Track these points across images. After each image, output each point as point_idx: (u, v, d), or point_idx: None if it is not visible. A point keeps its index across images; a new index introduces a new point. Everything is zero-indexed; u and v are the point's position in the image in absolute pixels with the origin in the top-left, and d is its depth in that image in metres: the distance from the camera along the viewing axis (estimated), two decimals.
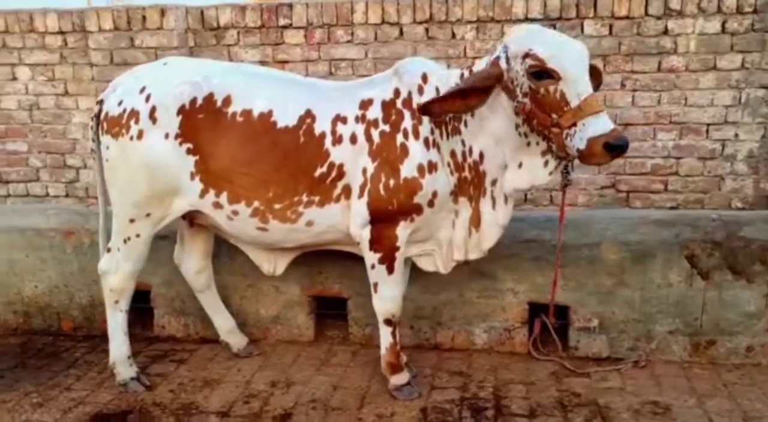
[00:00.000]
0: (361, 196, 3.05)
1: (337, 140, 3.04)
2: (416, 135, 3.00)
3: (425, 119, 2.98)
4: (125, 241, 3.34)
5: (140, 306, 4.15)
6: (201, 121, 3.07)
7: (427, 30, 4.37)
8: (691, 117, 4.23)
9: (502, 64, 2.76)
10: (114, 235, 3.38)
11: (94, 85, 4.77)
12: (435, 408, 3.25)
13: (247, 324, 3.98)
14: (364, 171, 3.03)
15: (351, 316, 3.94)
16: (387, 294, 3.21)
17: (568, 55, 2.65)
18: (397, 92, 3.05)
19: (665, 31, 4.15)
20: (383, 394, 3.36)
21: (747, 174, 4.28)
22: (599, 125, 2.58)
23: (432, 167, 3.00)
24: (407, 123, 3.01)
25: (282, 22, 4.48)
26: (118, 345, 3.53)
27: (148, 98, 3.11)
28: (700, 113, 4.22)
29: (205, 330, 4.03)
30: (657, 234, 3.53)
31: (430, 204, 3.04)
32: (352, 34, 4.45)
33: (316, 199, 3.10)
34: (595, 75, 2.82)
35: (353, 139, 3.04)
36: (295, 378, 3.57)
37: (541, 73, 2.64)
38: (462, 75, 2.98)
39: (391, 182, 2.99)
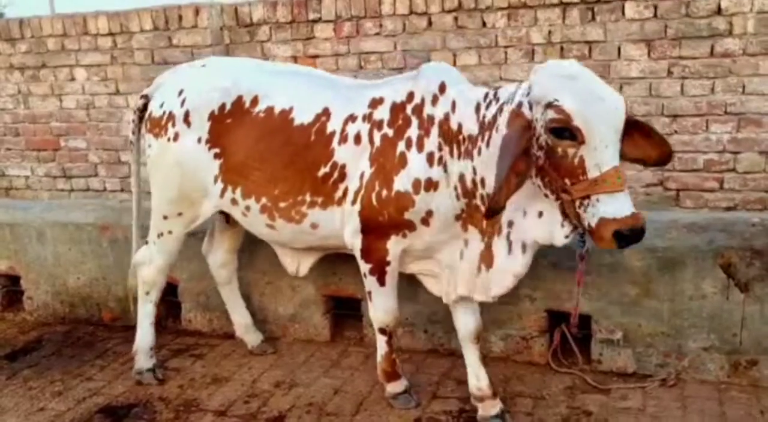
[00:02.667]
0: (354, 202, 2.89)
1: (343, 139, 2.90)
2: (420, 147, 2.76)
3: (434, 132, 2.74)
4: (159, 236, 3.46)
5: (173, 299, 4.27)
6: (229, 126, 3.10)
7: (456, 19, 4.15)
8: (749, 107, 3.76)
9: (526, 111, 2.38)
10: (151, 229, 3.50)
11: (141, 84, 4.91)
12: (430, 418, 3.11)
13: (267, 321, 3.99)
14: (362, 175, 2.86)
15: (365, 318, 3.84)
16: (379, 304, 3.06)
17: (599, 115, 2.22)
18: (410, 96, 2.83)
19: (718, 11, 3.69)
20: (381, 401, 3.25)
21: None
22: (615, 206, 2.24)
23: (431, 185, 2.74)
24: (413, 132, 2.78)
25: (311, 16, 4.41)
26: (143, 334, 3.65)
27: (183, 102, 3.20)
28: (761, 102, 3.73)
29: (229, 325, 4.06)
30: (687, 239, 3.17)
31: (425, 222, 2.81)
32: (381, 26, 4.31)
33: (319, 200, 2.98)
34: (656, 144, 2.42)
35: (357, 139, 2.88)
36: (300, 380, 3.53)
37: (563, 130, 2.25)
38: (486, 95, 2.65)
39: (384, 193, 2.80)
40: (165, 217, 3.37)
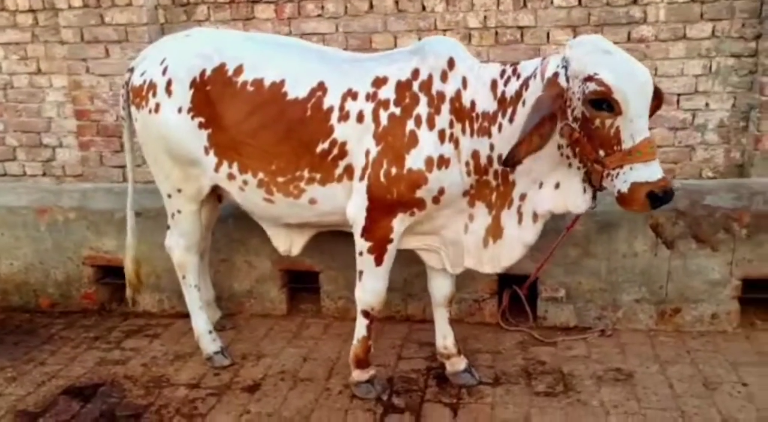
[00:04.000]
0: (361, 178, 2.86)
1: (344, 117, 2.86)
2: (431, 125, 2.75)
3: (444, 109, 2.75)
4: (172, 217, 3.39)
5: (117, 282, 4.19)
6: (211, 93, 3.02)
7: (396, 2, 4.34)
8: (661, 87, 4.19)
9: (562, 81, 2.45)
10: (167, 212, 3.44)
11: (66, 62, 4.74)
12: (401, 377, 3.30)
13: (222, 298, 4.01)
14: (367, 153, 2.83)
15: (323, 290, 3.97)
16: (370, 286, 3.02)
17: (636, 88, 2.34)
18: (415, 73, 2.81)
19: (634, 1, 4.11)
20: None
21: (718, 143, 4.27)
22: (647, 172, 2.37)
23: (443, 162, 2.76)
24: (422, 109, 2.76)
25: None
26: (197, 319, 3.55)
27: (165, 70, 3.11)
28: (671, 83, 4.20)
29: (181, 305, 4.04)
30: None
31: (435, 200, 2.82)
32: (323, 7, 4.42)
33: (318, 176, 2.95)
34: (658, 97, 2.52)
35: (360, 118, 2.84)
36: (266, 351, 3.62)
37: (602, 102, 2.35)
38: (503, 72, 2.70)
39: (393, 170, 2.77)
40: (169, 196, 3.31)
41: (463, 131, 2.76)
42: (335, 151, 2.89)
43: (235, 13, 4.55)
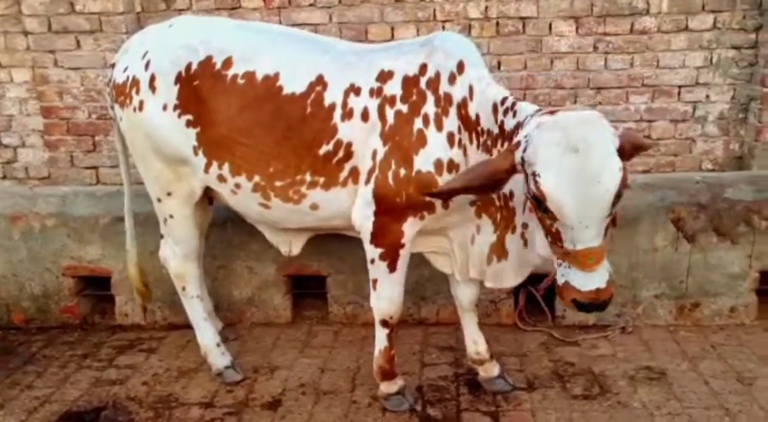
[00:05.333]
0: (367, 182, 2.66)
1: (347, 115, 2.65)
2: (438, 126, 2.58)
3: (452, 112, 2.58)
4: (165, 223, 3.13)
5: (100, 293, 3.87)
6: (198, 89, 2.77)
7: None
8: (662, 79, 4.19)
9: (517, 156, 2.16)
10: (159, 219, 3.17)
11: (30, 55, 4.35)
12: (431, 386, 3.14)
13: (220, 307, 3.75)
14: (374, 154, 2.63)
15: (330, 295, 3.76)
16: (386, 294, 2.82)
17: (584, 199, 2.04)
18: (423, 69, 2.63)
19: None
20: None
21: (717, 135, 4.29)
22: (580, 280, 2.14)
23: (453, 167, 2.58)
24: (429, 108, 2.60)
25: None
26: (203, 332, 3.29)
27: (147, 65, 2.85)
28: (672, 75, 4.19)
29: (174, 316, 3.79)
30: (643, 198, 3.49)
31: (445, 204, 2.64)
32: None
33: (321, 180, 2.73)
34: (640, 148, 2.27)
35: (365, 116, 2.64)
36: (278, 362, 3.39)
37: (541, 202, 2.12)
38: (504, 100, 2.47)
39: (402, 172, 2.59)
40: (159, 200, 3.04)
41: (470, 140, 2.60)
42: (341, 153, 2.69)
43: (220, 2, 4.28)
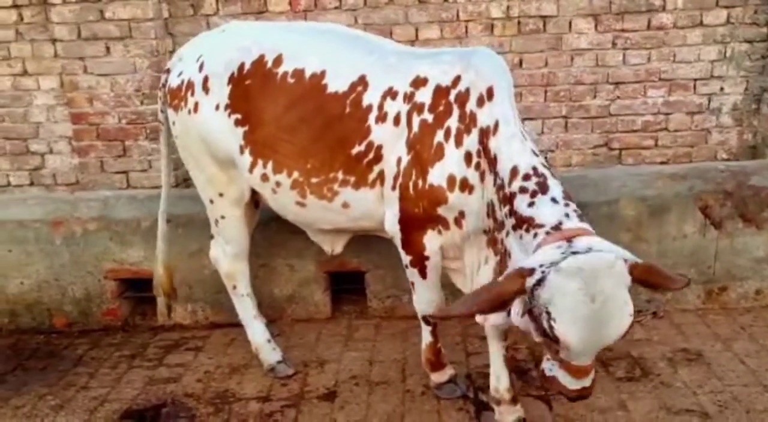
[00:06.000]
0: (393, 187, 2.66)
1: (382, 117, 2.65)
2: (458, 141, 2.53)
3: (474, 132, 2.51)
4: (216, 223, 3.21)
5: (141, 295, 3.94)
6: (249, 88, 2.83)
7: None
8: (679, 73, 4.34)
9: (528, 283, 2.03)
10: (210, 219, 3.25)
11: (59, 62, 4.39)
12: (480, 373, 3.24)
13: (261, 305, 3.79)
14: (399, 161, 2.64)
15: (370, 290, 3.86)
16: (422, 298, 2.86)
17: (590, 340, 2.01)
18: (456, 81, 2.58)
19: None
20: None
21: (732, 126, 4.45)
22: (569, 381, 2.12)
23: (465, 186, 2.54)
24: (452, 122, 2.55)
25: None
26: (253, 331, 3.38)
27: (201, 67, 2.94)
28: (688, 69, 4.34)
29: (215, 315, 3.87)
30: (672, 187, 3.62)
31: (457, 223, 2.61)
32: None
33: (351, 179, 2.75)
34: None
35: (397, 120, 2.63)
36: (326, 356, 3.48)
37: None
38: (526, 177, 2.33)
39: (420, 183, 2.59)
40: (211, 202, 3.13)
41: (489, 171, 2.50)
42: (371, 155, 2.70)
43: (246, 6, 4.36)
